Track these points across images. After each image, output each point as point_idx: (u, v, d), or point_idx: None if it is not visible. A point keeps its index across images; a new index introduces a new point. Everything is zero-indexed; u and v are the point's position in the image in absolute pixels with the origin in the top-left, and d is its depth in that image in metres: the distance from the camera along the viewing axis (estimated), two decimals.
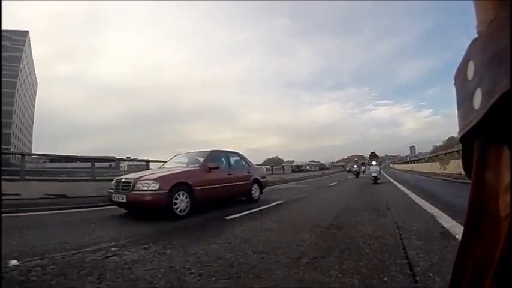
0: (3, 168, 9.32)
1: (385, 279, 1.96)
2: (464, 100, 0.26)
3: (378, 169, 12.77)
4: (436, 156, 19.86)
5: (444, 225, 3.47)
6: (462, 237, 0.27)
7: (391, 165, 61.14)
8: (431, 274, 1.99)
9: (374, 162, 13.31)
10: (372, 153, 14.91)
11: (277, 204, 6.54)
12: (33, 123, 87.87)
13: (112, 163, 24.39)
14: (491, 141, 0.26)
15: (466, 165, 0.28)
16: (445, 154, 16.69)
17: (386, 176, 18.81)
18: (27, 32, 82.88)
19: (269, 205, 6.41)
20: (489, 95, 0.22)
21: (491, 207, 0.25)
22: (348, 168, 34.15)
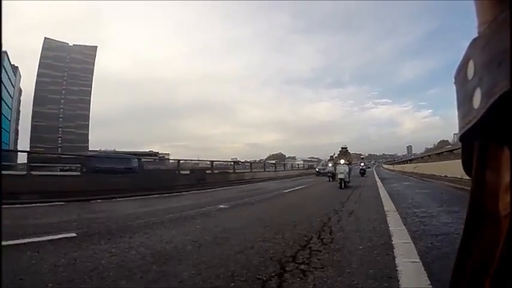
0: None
1: None
2: (464, 99, 0.22)
3: (347, 170, 8.73)
4: (429, 156, 16.51)
5: None
6: (462, 236, 0.24)
7: (383, 166, 56.56)
8: None
9: (342, 161, 8.96)
10: (342, 148, 10.50)
11: None
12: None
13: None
14: (491, 141, 0.22)
15: (466, 165, 0.25)
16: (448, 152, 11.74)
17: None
18: (96, 47, 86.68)
19: None
20: (489, 95, 0.19)
21: (491, 206, 0.22)
22: (317, 169, 21.01)
